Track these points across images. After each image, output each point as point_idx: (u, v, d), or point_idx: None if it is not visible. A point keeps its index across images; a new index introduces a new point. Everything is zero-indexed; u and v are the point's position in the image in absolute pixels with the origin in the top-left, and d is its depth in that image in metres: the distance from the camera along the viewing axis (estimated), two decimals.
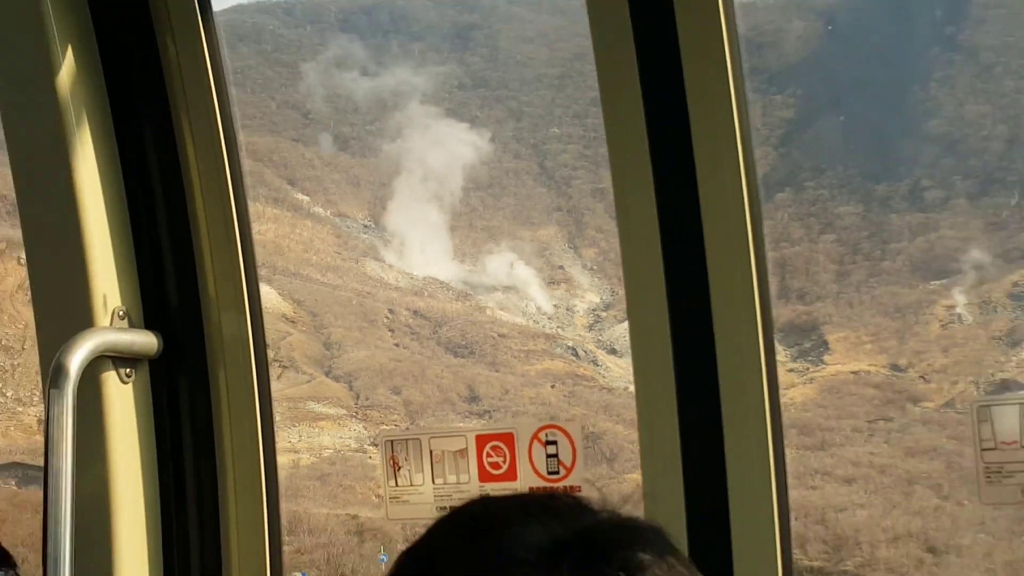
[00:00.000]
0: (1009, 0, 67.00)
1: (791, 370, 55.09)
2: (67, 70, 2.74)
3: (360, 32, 76.71)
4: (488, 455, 2.51)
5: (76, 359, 2.55)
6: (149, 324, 2.85)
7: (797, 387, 53.40)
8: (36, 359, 2.84)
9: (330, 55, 75.10)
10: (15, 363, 59.43)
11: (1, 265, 60.41)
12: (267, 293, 62.05)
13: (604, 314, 61.70)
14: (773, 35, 65.88)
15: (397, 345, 58.52)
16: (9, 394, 58.46)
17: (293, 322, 59.15)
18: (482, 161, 69.48)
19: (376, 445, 51.66)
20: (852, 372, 54.06)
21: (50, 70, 2.71)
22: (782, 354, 57.62)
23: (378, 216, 67.82)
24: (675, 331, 2.31)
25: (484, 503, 1.29)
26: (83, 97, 2.77)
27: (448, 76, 72.94)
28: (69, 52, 2.75)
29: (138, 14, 2.79)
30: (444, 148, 69.01)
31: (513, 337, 58.81)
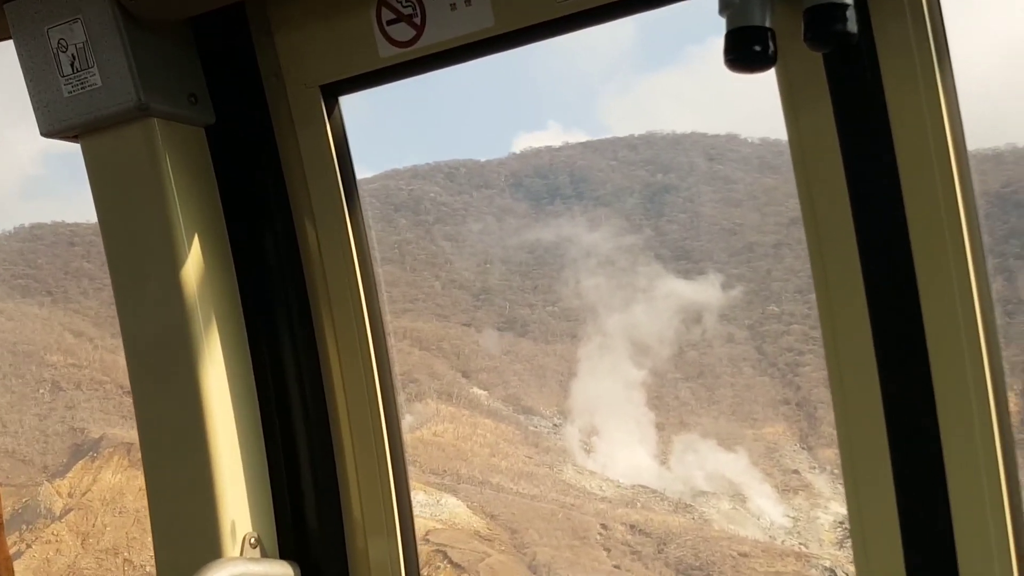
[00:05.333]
0: None
1: None
2: (193, 262, 3.11)
3: (536, 198, 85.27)
4: None
5: None
6: (285, 553, 3.23)
7: None
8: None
9: (501, 225, 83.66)
10: None
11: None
12: (454, 506, 67.22)
13: None
14: None
15: (618, 567, 62.91)
16: None
17: (489, 540, 64.24)
18: (690, 346, 76.39)
19: None
20: None
21: (173, 263, 3.10)
22: None
23: (569, 412, 74.80)
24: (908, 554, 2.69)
25: None
26: (210, 293, 3.15)
27: (642, 247, 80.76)
28: (196, 242, 3.14)
29: (273, 198, 3.23)
30: (643, 333, 76.46)
31: (756, 556, 62.95)
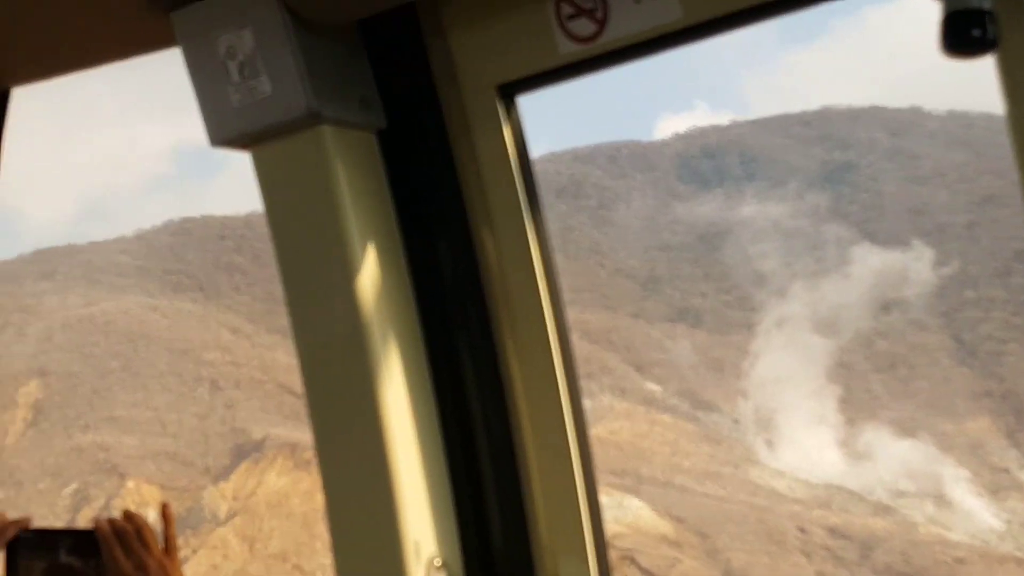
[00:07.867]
0: None
1: None
2: (367, 273, 3.02)
3: (704, 180, 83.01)
4: None
5: None
6: None
7: None
8: None
9: (668, 209, 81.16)
10: None
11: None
12: (637, 508, 64.68)
13: None
14: None
15: (821, 574, 60.88)
16: None
17: (679, 545, 62.40)
18: (879, 335, 72.85)
19: None
20: None
21: (347, 273, 3.01)
22: None
23: (750, 408, 72.13)
24: None
25: None
26: (386, 305, 3.05)
27: (821, 229, 77.72)
28: (370, 252, 3.06)
29: (449, 205, 3.14)
30: (825, 322, 73.26)
31: (974, 562, 60.32)
